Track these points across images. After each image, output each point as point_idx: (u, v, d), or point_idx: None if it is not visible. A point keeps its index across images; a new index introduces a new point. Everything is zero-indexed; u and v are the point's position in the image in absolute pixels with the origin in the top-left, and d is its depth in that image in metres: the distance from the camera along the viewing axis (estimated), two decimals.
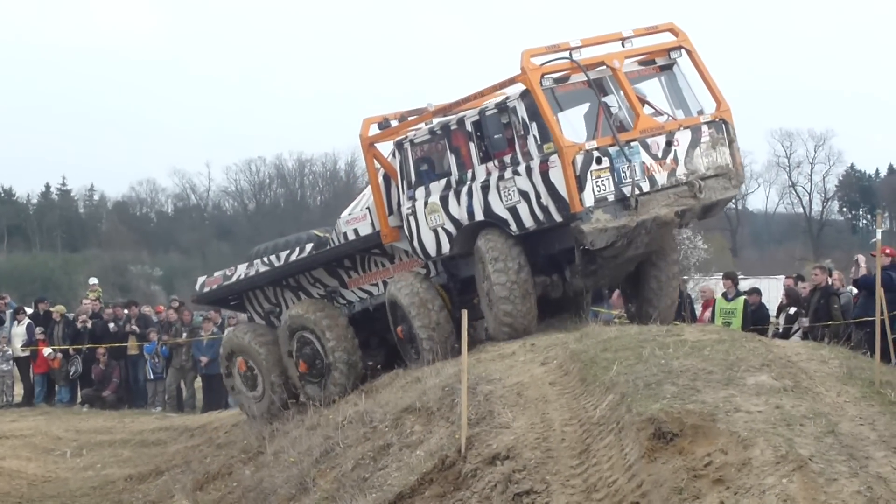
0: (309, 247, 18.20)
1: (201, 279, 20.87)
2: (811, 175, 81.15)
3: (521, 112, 15.10)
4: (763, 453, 9.52)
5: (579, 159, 14.46)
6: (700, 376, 11.36)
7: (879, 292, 14.19)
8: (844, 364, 12.46)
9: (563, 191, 14.54)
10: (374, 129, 17.13)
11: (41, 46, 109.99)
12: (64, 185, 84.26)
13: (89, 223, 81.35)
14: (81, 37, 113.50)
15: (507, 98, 15.43)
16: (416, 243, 16.51)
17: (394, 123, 17.12)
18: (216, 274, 20.30)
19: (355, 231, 17.47)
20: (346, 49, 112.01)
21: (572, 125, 15.20)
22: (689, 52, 15.73)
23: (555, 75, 15.08)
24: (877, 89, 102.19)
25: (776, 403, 10.67)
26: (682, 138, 15.11)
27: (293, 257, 18.32)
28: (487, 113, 15.56)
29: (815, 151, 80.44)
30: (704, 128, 15.31)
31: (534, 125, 14.94)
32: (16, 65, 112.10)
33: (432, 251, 16.37)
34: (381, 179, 17.06)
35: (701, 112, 15.54)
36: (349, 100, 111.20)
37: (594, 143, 14.65)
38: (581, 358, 12.70)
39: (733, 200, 16.47)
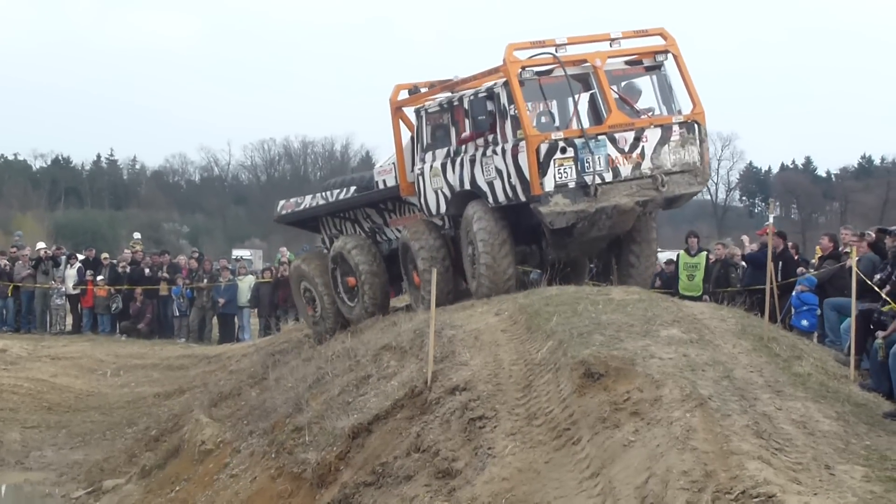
0: (353, 189, 17.42)
1: (281, 202, 19.76)
2: (718, 169, 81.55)
3: (503, 99, 14.11)
4: (671, 392, 9.54)
5: (543, 147, 13.57)
6: (623, 328, 11.37)
7: (770, 265, 14.23)
8: (739, 322, 12.49)
9: (527, 174, 13.67)
10: (403, 95, 16.26)
11: (100, 46, 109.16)
12: (112, 155, 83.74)
13: (131, 187, 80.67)
14: (131, 38, 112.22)
15: (494, 84, 14.45)
16: (422, 200, 15.69)
17: (423, 91, 16.14)
18: (291, 200, 19.33)
19: (384, 182, 16.74)
20: (344, 47, 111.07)
21: (581, 111, 14.24)
22: (675, 57, 14.49)
23: (538, 68, 14.02)
24: (773, 100, 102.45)
25: (683, 352, 10.69)
26: (652, 135, 14.04)
27: (341, 196, 17.52)
28: (476, 96, 14.59)
29: (722, 150, 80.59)
30: (676, 127, 14.17)
31: (511, 112, 13.99)
32: (76, 60, 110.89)
33: (434, 209, 15.54)
34: (407, 141, 16.17)
35: (679, 112, 14.43)
36: (346, 93, 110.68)
37: (561, 134, 13.76)
38: (527, 311, 12.65)
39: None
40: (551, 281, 14.95)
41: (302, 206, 18.58)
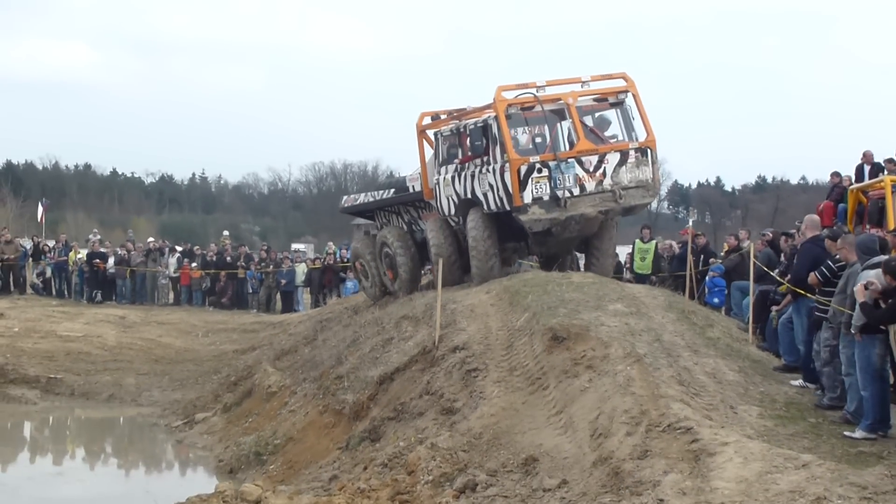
0: (392, 191, 16.82)
1: (345, 197, 19.17)
2: None
3: (495, 129, 13.50)
4: (616, 351, 9.51)
5: (523, 168, 13.07)
6: (581, 304, 11.33)
7: (690, 258, 14.17)
8: (667, 299, 12.46)
9: (510, 189, 13.22)
10: (427, 120, 15.48)
11: (194, 92, 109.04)
12: (203, 173, 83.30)
13: (217, 197, 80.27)
14: (216, 85, 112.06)
15: (488, 117, 13.83)
16: (438, 203, 14.99)
17: (443, 117, 15.32)
18: (351, 196, 18.75)
19: (413, 186, 16.04)
20: (373, 94, 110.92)
21: (564, 138, 13.85)
22: (634, 96, 13.79)
23: (522, 104, 13.50)
24: (693, 134, 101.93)
25: (625, 322, 10.65)
26: (612, 158, 13.43)
27: (384, 195, 16.93)
28: (475, 126, 13.98)
29: None
30: (632, 152, 13.53)
31: (500, 139, 13.42)
32: (177, 102, 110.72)
33: (446, 211, 14.81)
34: (430, 156, 15.49)
35: (636, 139, 13.71)
36: (375, 127, 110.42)
37: (538, 157, 13.21)
38: (510, 290, 12.58)
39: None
40: (545, 268, 14.78)
41: (358, 202, 18.03)
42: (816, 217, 10.67)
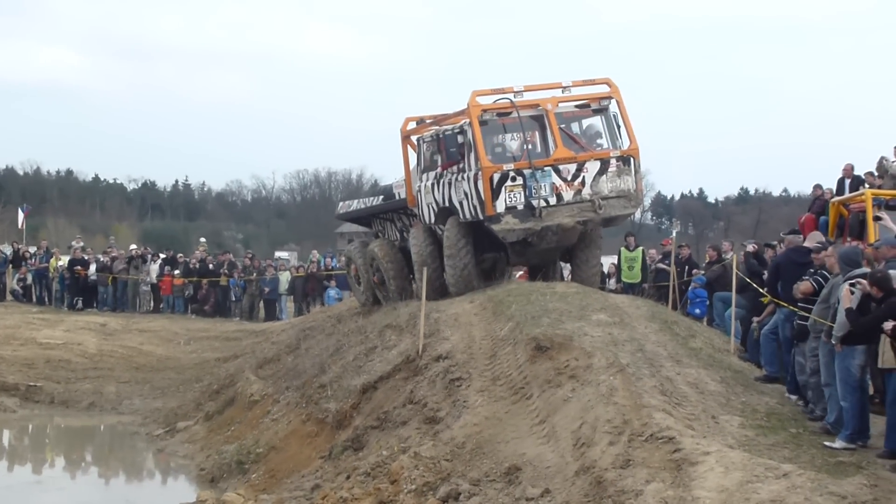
0: (381, 198, 16.59)
1: (340, 203, 18.99)
2: None
3: (469, 135, 13.14)
4: (599, 361, 9.54)
5: (496, 176, 12.68)
6: (564, 313, 11.35)
7: (673, 269, 14.25)
8: (650, 310, 12.47)
9: (483, 197, 12.81)
10: (412, 125, 15.03)
11: (180, 98, 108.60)
12: (186, 180, 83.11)
13: (200, 204, 79.94)
14: (202, 92, 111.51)
15: (464, 123, 13.39)
16: (419, 211, 14.64)
17: (428, 122, 14.85)
18: (346, 202, 18.50)
19: (399, 194, 15.60)
20: (359, 102, 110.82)
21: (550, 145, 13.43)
22: (617, 102, 13.32)
23: (498, 110, 13.08)
24: (676, 146, 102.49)
25: (608, 332, 10.69)
26: (592, 167, 12.99)
27: (373, 203, 16.67)
28: (450, 132, 13.66)
29: None
30: (613, 161, 13.07)
31: (474, 146, 13.02)
32: (161, 108, 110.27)
33: (427, 219, 14.48)
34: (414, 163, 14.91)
35: (619, 147, 13.28)
36: (360, 136, 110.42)
37: (511, 166, 12.83)
38: (494, 300, 12.55)
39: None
40: (533, 278, 14.62)
41: (351, 209, 17.85)
42: (817, 233, 10.77)
